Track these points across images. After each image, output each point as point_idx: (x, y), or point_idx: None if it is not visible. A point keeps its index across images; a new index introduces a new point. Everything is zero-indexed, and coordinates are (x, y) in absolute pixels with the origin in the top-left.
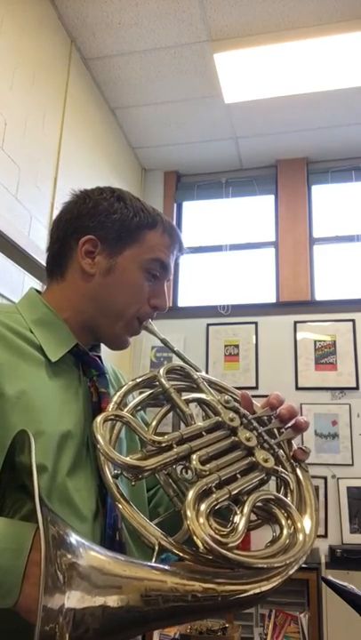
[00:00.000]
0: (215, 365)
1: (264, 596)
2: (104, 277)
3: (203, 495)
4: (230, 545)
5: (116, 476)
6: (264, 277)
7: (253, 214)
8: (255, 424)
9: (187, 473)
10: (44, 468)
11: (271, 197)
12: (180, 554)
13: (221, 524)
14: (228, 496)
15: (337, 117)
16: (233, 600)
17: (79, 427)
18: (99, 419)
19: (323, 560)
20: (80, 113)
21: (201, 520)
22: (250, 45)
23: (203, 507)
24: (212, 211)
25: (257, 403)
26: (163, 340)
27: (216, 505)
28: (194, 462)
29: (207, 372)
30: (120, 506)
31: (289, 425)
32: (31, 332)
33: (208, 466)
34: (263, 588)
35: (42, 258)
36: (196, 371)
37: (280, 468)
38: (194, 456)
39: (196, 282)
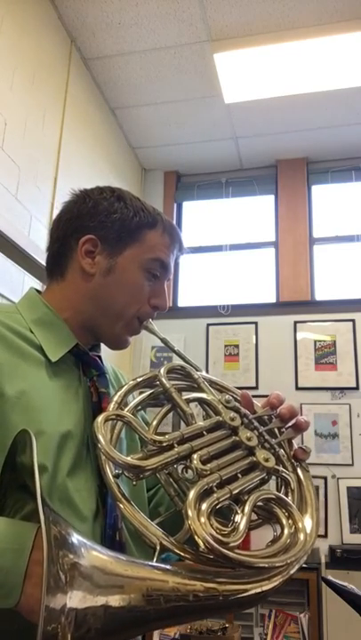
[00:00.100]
0: (215, 365)
1: (265, 596)
2: (104, 277)
3: (204, 495)
4: (231, 544)
5: (117, 476)
6: (264, 277)
7: (253, 214)
8: (256, 424)
9: (187, 472)
10: (45, 468)
11: (271, 197)
12: (181, 553)
13: (222, 524)
14: (229, 495)
15: (337, 117)
16: (234, 599)
17: (79, 427)
18: (100, 418)
19: (323, 560)
20: (80, 113)
21: (202, 519)
22: (250, 45)
23: (204, 506)
24: (212, 211)
25: (257, 402)
26: (163, 340)
27: (217, 504)
28: (195, 462)
29: (207, 372)
30: (121, 505)
31: (289, 424)
32: (31, 331)
33: (209, 465)
34: (264, 588)
35: (42, 258)
36: (197, 370)
37: (281, 468)
38: (195, 455)
39: (196, 282)
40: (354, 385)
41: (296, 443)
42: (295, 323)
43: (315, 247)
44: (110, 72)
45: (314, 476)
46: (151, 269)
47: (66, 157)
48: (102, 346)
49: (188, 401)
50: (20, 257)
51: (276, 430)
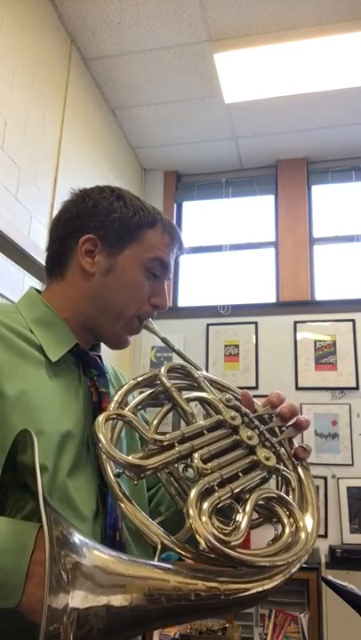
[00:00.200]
0: (215, 365)
1: (267, 595)
2: (104, 276)
3: (205, 494)
4: (233, 543)
5: (117, 475)
6: (264, 277)
7: (253, 214)
8: (256, 422)
9: (188, 471)
10: (45, 468)
11: (271, 197)
12: (183, 552)
13: (224, 523)
14: (230, 494)
15: (337, 117)
16: (236, 599)
17: (79, 427)
18: (100, 418)
19: (323, 560)
20: (80, 113)
21: (203, 518)
22: (250, 45)
23: (205, 505)
24: (212, 211)
25: (258, 402)
26: (163, 339)
27: (218, 503)
28: (196, 461)
29: (207, 372)
30: (122, 505)
31: (290, 423)
32: (31, 331)
33: (210, 464)
34: (266, 587)
35: (42, 258)
36: (197, 369)
37: (282, 467)
38: (196, 455)
39: (196, 282)
40: (354, 385)
41: (296, 442)
42: (295, 323)
43: (315, 247)
44: (110, 72)
45: (314, 476)
46: (151, 269)
47: (66, 157)
48: (102, 345)
49: (189, 400)
50: (20, 257)
51: (276, 429)
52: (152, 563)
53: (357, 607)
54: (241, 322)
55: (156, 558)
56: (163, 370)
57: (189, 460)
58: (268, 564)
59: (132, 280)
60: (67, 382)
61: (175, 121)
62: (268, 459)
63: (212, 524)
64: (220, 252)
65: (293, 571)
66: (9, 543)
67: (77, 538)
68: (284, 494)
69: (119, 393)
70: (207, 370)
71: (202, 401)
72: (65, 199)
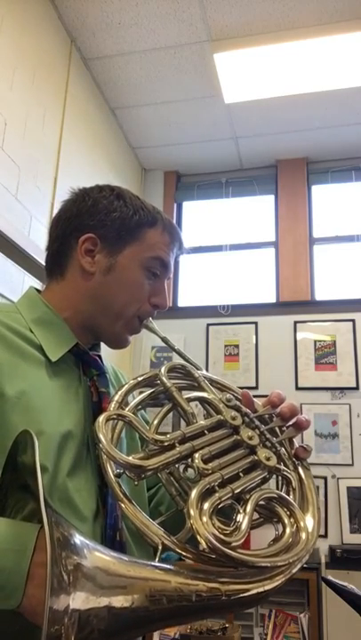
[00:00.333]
0: (215, 365)
1: (267, 595)
2: (104, 276)
3: (206, 494)
4: (234, 544)
5: (118, 476)
6: (264, 277)
7: (253, 214)
8: (257, 422)
9: (187, 471)
10: (45, 469)
11: (271, 197)
12: (183, 553)
13: (224, 523)
14: (231, 495)
15: (337, 117)
16: (237, 599)
17: (79, 427)
18: (101, 418)
19: (323, 560)
20: (80, 113)
21: (204, 519)
22: (250, 45)
23: (206, 505)
24: (212, 211)
25: (258, 401)
26: (163, 339)
27: (219, 504)
28: (196, 461)
29: (207, 372)
30: (123, 505)
31: (290, 423)
32: (31, 331)
33: (211, 465)
34: (267, 587)
35: (42, 258)
36: (197, 369)
37: (282, 467)
38: (196, 455)
39: (196, 282)
40: (354, 385)
41: (297, 442)
42: (295, 323)
43: (315, 247)
44: (110, 72)
45: (314, 476)
46: (151, 268)
47: (66, 157)
48: (102, 345)
49: (189, 400)
50: (20, 257)
51: (277, 429)
52: (153, 564)
53: (357, 607)
54: (241, 322)
55: (157, 559)
56: (163, 369)
57: (190, 460)
58: (268, 565)
59: (132, 279)
60: (67, 382)
61: (175, 121)
62: (268, 459)
63: (213, 525)
64: (220, 252)
65: (294, 571)
66: (9, 544)
67: (78, 539)
68: (284, 494)
69: (119, 393)
70: (207, 370)
71: (202, 401)
72: (65, 198)
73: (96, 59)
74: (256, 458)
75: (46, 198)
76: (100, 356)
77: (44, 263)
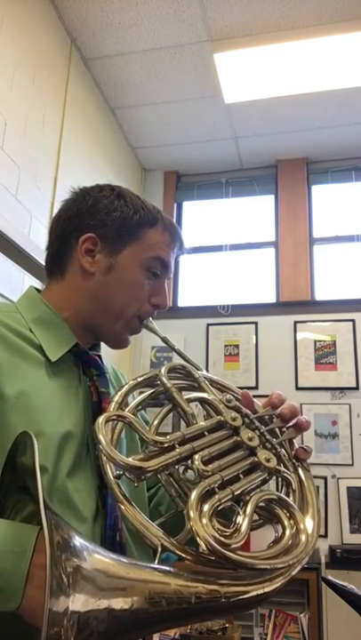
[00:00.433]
0: (215, 365)
1: (267, 597)
2: (104, 276)
3: (205, 496)
4: (233, 546)
5: (117, 477)
6: (264, 277)
7: (253, 214)
8: (257, 423)
9: (187, 472)
10: (45, 469)
11: (271, 197)
12: (183, 554)
13: (224, 525)
14: (230, 496)
15: (337, 117)
16: (236, 601)
17: (79, 427)
18: (101, 419)
19: (323, 560)
20: (80, 113)
21: (204, 521)
22: (250, 45)
23: (206, 507)
24: (212, 211)
25: (258, 402)
26: (163, 339)
27: (219, 506)
28: (196, 463)
29: (207, 373)
30: (122, 506)
31: (290, 424)
32: (31, 331)
33: (210, 466)
34: (266, 589)
35: (42, 258)
36: (198, 370)
37: (282, 468)
38: (196, 456)
39: (196, 282)
40: (354, 385)
41: (297, 443)
42: (295, 323)
43: (315, 247)
44: (110, 72)
45: (314, 476)
46: (151, 268)
47: (66, 157)
48: (102, 345)
49: (189, 400)
50: (20, 257)
51: (277, 430)
52: (152, 566)
53: (357, 607)
54: (241, 322)
55: (157, 560)
56: (163, 370)
57: (190, 461)
58: (268, 567)
59: (132, 279)
60: (66, 382)
61: (175, 121)
62: (268, 460)
63: (213, 527)
64: (220, 252)
65: (294, 573)
66: (9, 546)
67: (77, 541)
68: (284, 496)
69: (119, 393)
70: (207, 370)
71: (202, 401)
72: (65, 198)
73: (96, 59)
74: (256, 459)
75: (46, 198)
76: (99, 356)
77: (43, 263)
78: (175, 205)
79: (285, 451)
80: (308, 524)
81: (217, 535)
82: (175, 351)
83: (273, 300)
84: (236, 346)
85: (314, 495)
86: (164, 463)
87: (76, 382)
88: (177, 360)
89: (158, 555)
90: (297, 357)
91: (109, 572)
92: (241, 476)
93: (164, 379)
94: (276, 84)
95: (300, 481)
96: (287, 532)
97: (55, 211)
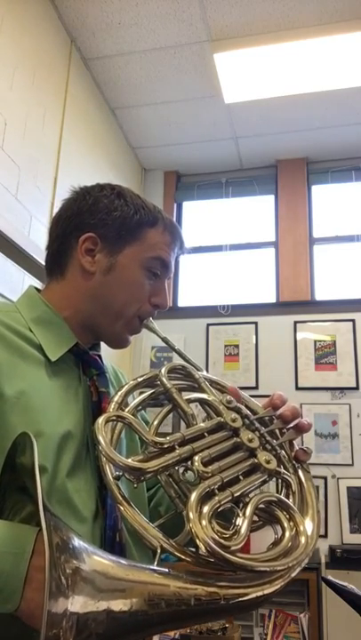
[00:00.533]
0: (215, 365)
1: (266, 599)
2: (104, 276)
3: (205, 497)
4: (233, 548)
5: (117, 478)
6: (264, 277)
7: (253, 214)
8: (257, 425)
9: (186, 473)
10: (44, 470)
11: (271, 197)
12: (182, 556)
13: (223, 526)
14: (230, 498)
15: (337, 117)
16: (235, 603)
17: (79, 427)
18: (100, 419)
19: (323, 560)
20: (80, 113)
21: (203, 522)
22: (250, 45)
23: (205, 509)
24: (212, 211)
25: (258, 403)
26: (164, 339)
27: (219, 507)
28: (196, 464)
29: (207, 373)
30: (121, 508)
31: (291, 426)
32: (30, 330)
33: (210, 467)
34: (266, 592)
35: (42, 258)
36: (198, 370)
37: (282, 470)
38: (196, 458)
39: (196, 282)
40: (354, 385)
41: (296, 444)
42: (295, 323)
43: (315, 247)
44: (110, 72)
45: (314, 476)
46: (152, 268)
47: (66, 157)
48: (103, 345)
49: (189, 401)
50: (20, 257)
51: (277, 431)
52: (152, 567)
53: (357, 607)
54: (241, 322)
55: (156, 562)
56: (163, 370)
57: (190, 462)
58: (267, 569)
59: (132, 279)
60: (66, 382)
61: (175, 121)
62: (268, 462)
63: (212, 529)
64: (220, 252)
65: (293, 575)
66: (7, 547)
67: (77, 542)
68: (284, 498)
69: (119, 394)
70: (207, 370)
71: (202, 402)
72: (65, 197)
73: (96, 59)
74: (256, 461)
75: (46, 198)
76: (99, 356)
77: (44, 263)
78: (175, 205)
79: (285, 452)
80: (308, 525)
81: (216, 537)
82: (175, 351)
83: (273, 299)
84: (236, 346)
85: (314, 497)
86: (164, 464)
87: (76, 382)
88: (177, 360)
89: (157, 556)
90: (297, 357)
91: (108, 574)
92: (241, 477)
93: (164, 379)
94: (276, 84)
95: (300, 482)
96: (287, 534)
97: (55, 211)
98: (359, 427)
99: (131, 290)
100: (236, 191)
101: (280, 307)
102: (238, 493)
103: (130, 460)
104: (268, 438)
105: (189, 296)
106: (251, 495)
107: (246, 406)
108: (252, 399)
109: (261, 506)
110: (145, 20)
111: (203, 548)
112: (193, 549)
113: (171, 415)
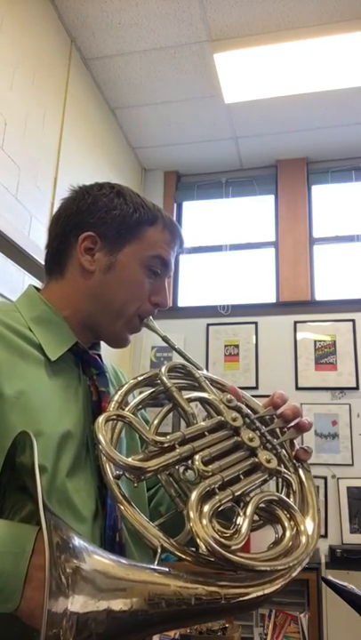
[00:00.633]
0: (215, 365)
1: (267, 599)
2: (104, 274)
3: (206, 496)
4: (233, 547)
5: (117, 477)
6: (264, 277)
7: (253, 214)
8: (258, 424)
9: (187, 473)
10: (44, 469)
11: (271, 197)
12: (182, 556)
13: (224, 525)
14: (231, 497)
15: (337, 117)
16: (236, 603)
17: (79, 427)
18: (100, 419)
19: (323, 560)
20: (80, 113)
21: (204, 522)
22: (250, 45)
23: (206, 508)
24: (212, 211)
25: (259, 402)
26: (164, 338)
27: (219, 506)
28: (197, 463)
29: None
30: (122, 507)
31: (292, 425)
32: (30, 330)
33: (211, 467)
34: (266, 591)
35: (42, 258)
36: (198, 369)
37: (283, 469)
38: (196, 457)
39: (196, 282)
40: (354, 385)
41: (297, 443)
42: (295, 323)
43: (315, 247)
44: (110, 72)
45: (314, 477)
46: (152, 266)
47: (66, 157)
48: (103, 345)
49: (190, 400)
50: (20, 257)
51: (277, 430)
52: (152, 567)
53: (357, 607)
54: (241, 322)
55: (156, 561)
56: (163, 369)
57: (190, 461)
58: (268, 569)
59: (132, 278)
60: (66, 382)
61: (175, 121)
62: (269, 461)
63: (213, 528)
64: (220, 252)
65: (294, 574)
66: (7, 546)
67: (77, 542)
68: (285, 497)
69: (119, 393)
70: (207, 370)
71: (203, 401)
72: (64, 196)
73: (96, 59)
74: (257, 460)
75: (46, 198)
76: (99, 355)
77: (44, 263)
78: (175, 205)
79: (286, 451)
80: (309, 525)
81: (217, 536)
82: (175, 350)
83: (273, 299)
84: (236, 346)
85: (314, 496)
86: (165, 463)
87: (76, 382)
88: (177, 360)
89: (158, 556)
90: (297, 357)
91: (109, 573)
92: (241, 476)
93: (164, 378)
94: (276, 83)
95: (301, 482)
96: (287, 534)
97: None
98: (359, 427)
99: (131, 288)
100: (236, 191)
101: (280, 307)
102: (239, 492)
103: (130, 459)
104: (269, 437)
105: (189, 296)
106: (251, 494)
107: (247, 405)
108: (253, 398)
109: (262, 505)
110: (145, 20)
111: (203, 547)
112: (193, 549)
113: (170, 415)
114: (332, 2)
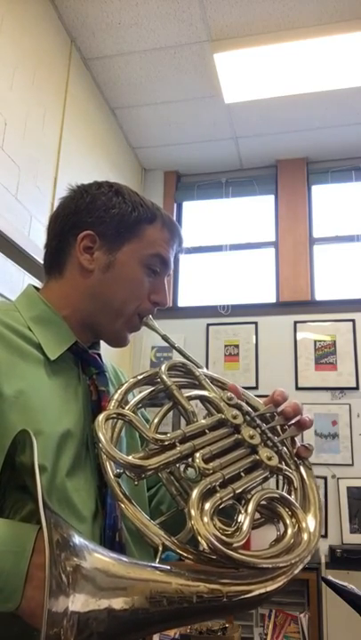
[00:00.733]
0: (215, 365)
1: (269, 597)
2: (103, 273)
3: (207, 494)
4: (235, 545)
5: (118, 476)
6: (264, 277)
7: (253, 214)
8: (258, 421)
9: (187, 471)
10: (44, 469)
11: (271, 197)
12: (184, 554)
13: (225, 523)
14: (232, 495)
15: (337, 117)
16: (238, 601)
17: (79, 426)
18: (100, 417)
19: (323, 560)
20: (80, 113)
21: (205, 519)
22: (250, 45)
23: (207, 506)
24: (212, 211)
25: (260, 400)
26: (163, 337)
27: (220, 504)
28: (197, 461)
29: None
30: (122, 505)
31: (292, 422)
32: (30, 329)
33: (212, 464)
34: (268, 589)
35: (41, 257)
36: (198, 367)
37: (284, 466)
38: (197, 454)
39: (196, 282)
40: (354, 385)
41: (298, 441)
42: (295, 323)
43: (315, 247)
44: (110, 72)
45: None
46: (151, 265)
47: (66, 157)
48: (103, 345)
49: (190, 398)
50: (20, 257)
51: (278, 428)
52: (153, 565)
53: (357, 607)
54: (241, 322)
55: (157, 560)
56: (163, 368)
57: (191, 459)
58: (270, 566)
59: (131, 276)
60: (66, 381)
61: (175, 121)
62: (270, 458)
63: (214, 525)
64: (220, 252)
65: (296, 572)
66: (7, 546)
67: (77, 540)
68: (286, 494)
69: (119, 391)
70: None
71: (203, 399)
72: (63, 195)
73: (96, 59)
74: (258, 457)
75: (46, 198)
76: (99, 355)
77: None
78: (175, 205)
79: (287, 449)
80: (310, 522)
81: (218, 534)
82: (175, 349)
83: (273, 299)
84: (236, 346)
85: (316, 494)
86: (165, 461)
87: (76, 381)
88: (177, 359)
89: (159, 554)
90: (297, 357)
91: (109, 572)
92: (242, 474)
93: (164, 376)
94: (276, 83)
95: (302, 479)
96: (289, 531)
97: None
98: (359, 427)
99: (130, 287)
100: (236, 191)
101: (280, 307)
102: (240, 490)
103: (130, 458)
104: (270, 435)
105: (189, 296)
106: (252, 492)
107: (247, 403)
108: (253, 396)
109: (263, 502)
110: (145, 20)
111: (205, 544)
112: (195, 547)
113: (170, 415)
114: (332, 2)
